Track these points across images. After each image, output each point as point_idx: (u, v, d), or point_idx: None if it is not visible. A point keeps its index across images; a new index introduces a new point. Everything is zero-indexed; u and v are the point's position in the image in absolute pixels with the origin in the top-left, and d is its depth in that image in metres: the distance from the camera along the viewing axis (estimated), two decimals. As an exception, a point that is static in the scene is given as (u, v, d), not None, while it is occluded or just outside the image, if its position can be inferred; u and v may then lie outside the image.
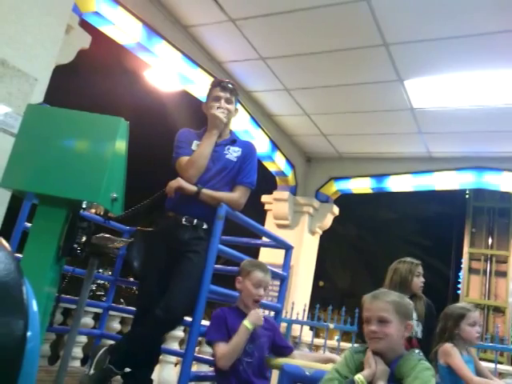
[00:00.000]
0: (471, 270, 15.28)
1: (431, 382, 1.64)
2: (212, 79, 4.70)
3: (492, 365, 4.04)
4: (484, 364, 3.94)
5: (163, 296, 2.47)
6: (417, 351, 1.80)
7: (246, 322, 2.19)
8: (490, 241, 15.42)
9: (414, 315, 2.89)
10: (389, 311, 1.75)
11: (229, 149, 2.79)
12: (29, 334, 0.51)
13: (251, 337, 2.25)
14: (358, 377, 1.68)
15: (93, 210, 1.99)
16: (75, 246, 1.77)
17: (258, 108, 5.63)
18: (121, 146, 1.94)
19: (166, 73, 4.57)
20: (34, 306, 0.54)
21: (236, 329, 2.22)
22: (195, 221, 2.60)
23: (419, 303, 2.99)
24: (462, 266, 15.50)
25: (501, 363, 6.58)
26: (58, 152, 1.87)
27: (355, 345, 3.14)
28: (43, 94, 2.94)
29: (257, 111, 5.59)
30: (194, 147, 2.72)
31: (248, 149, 2.83)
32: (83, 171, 1.83)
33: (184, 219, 2.60)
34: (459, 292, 15.24)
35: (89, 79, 10.04)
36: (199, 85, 4.68)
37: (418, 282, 3.04)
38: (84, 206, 1.85)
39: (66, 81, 5.92)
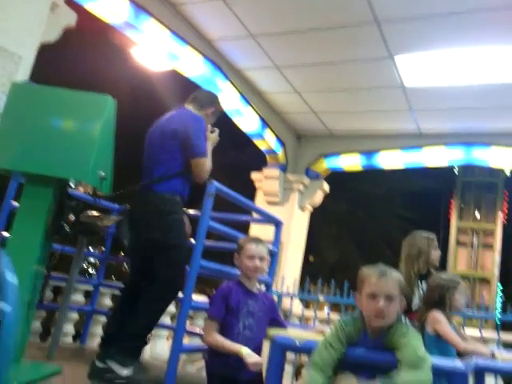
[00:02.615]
0: (459, 243, 15.56)
1: (421, 347, 1.72)
2: (201, 57, 4.65)
3: (477, 331, 4.19)
4: (470, 331, 4.08)
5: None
6: (403, 320, 1.86)
7: (244, 352, 2.10)
8: (477, 215, 15.66)
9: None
10: (396, 289, 1.80)
11: None
12: (3, 304, 0.50)
13: (249, 311, 2.28)
14: None
15: (81, 189, 2.00)
16: (64, 224, 1.78)
17: (248, 86, 5.59)
18: (108, 124, 1.93)
19: (155, 51, 4.50)
20: (11, 277, 0.53)
21: (239, 303, 2.26)
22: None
23: None
24: (449, 239, 15.73)
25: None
26: (44, 130, 1.86)
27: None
28: (28, 73, 2.91)
29: (247, 89, 5.56)
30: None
31: None
32: (70, 149, 1.81)
33: None
34: (447, 265, 15.50)
35: (75, 57, 9.85)
36: (188, 63, 4.63)
37: (437, 254, 3.06)
38: (72, 184, 1.85)
39: (51, 59, 5.81)
